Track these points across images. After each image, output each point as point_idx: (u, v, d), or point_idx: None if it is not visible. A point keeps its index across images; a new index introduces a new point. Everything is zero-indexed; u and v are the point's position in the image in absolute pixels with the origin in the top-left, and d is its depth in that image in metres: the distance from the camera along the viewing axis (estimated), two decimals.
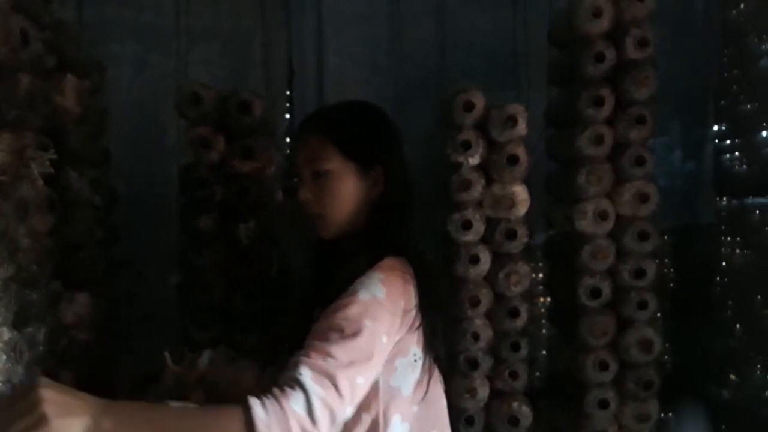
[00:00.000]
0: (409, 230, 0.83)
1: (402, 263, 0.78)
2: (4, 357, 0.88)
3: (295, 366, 0.65)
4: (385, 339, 0.71)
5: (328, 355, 0.66)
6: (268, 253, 1.37)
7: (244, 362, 0.78)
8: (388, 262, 0.77)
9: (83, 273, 1.16)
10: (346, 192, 0.81)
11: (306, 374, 0.64)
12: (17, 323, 0.94)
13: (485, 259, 1.40)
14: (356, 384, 0.67)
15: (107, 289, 1.26)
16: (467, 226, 1.38)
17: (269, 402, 0.62)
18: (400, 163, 0.86)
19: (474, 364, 1.39)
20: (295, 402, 0.63)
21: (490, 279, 1.42)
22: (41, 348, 0.98)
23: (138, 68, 1.68)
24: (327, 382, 0.64)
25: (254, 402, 0.62)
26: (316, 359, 0.66)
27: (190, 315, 1.34)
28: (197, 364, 0.71)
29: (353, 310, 0.70)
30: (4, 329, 0.90)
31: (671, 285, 1.82)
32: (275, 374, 0.69)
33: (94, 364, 1.17)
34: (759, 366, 1.60)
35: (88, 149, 1.23)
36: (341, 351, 0.67)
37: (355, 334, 0.68)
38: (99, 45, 1.45)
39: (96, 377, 1.18)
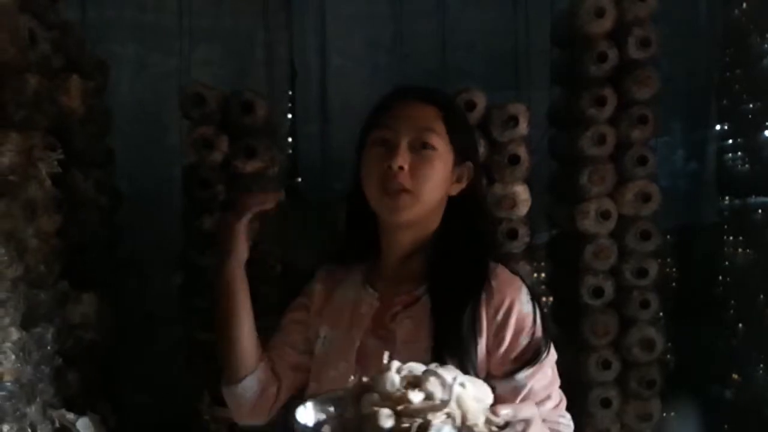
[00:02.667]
0: (495, 233, 0.83)
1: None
2: (13, 357, 0.89)
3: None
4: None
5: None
6: (271, 253, 1.38)
7: None
8: (500, 269, 0.76)
9: (90, 273, 1.16)
10: (441, 175, 0.75)
11: None
12: (25, 323, 0.94)
13: None
14: None
15: (111, 290, 1.26)
16: None
17: None
18: (480, 166, 0.84)
19: None
20: None
21: None
22: (49, 348, 0.98)
23: (140, 68, 1.68)
24: None
25: None
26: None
27: (194, 315, 1.34)
28: None
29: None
30: (13, 329, 0.90)
31: (674, 284, 1.82)
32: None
33: (99, 363, 1.18)
34: (762, 365, 1.60)
35: (92, 149, 1.24)
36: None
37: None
38: (101, 45, 1.45)
39: (101, 377, 1.19)
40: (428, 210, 0.76)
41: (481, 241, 0.77)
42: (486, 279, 0.73)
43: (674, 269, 1.83)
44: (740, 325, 1.69)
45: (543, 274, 1.70)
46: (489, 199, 1.40)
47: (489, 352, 0.72)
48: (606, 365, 1.41)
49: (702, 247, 1.83)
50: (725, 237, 1.76)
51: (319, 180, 1.74)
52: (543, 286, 1.70)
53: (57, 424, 0.97)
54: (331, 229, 1.39)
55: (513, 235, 1.40)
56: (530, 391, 0.71)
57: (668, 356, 1.70)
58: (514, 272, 0.78)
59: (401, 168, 0.73)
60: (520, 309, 0.73)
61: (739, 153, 1.75)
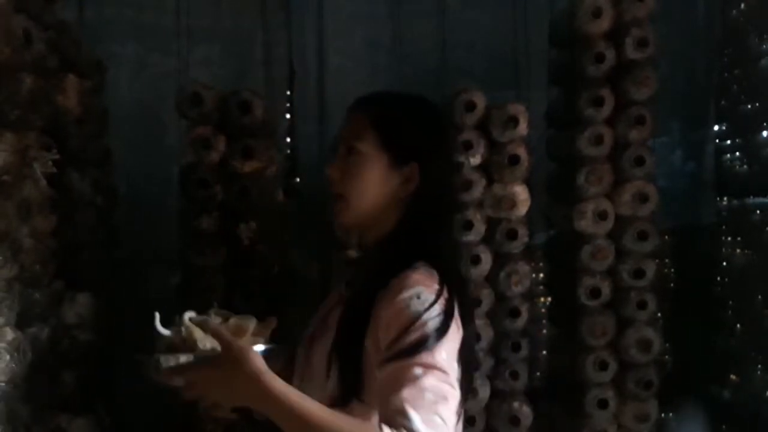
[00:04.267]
0: (441, 236, 0.79)
1: (430, 272, 0.73)
2: (8, 357, 0.89)
3: (402, 414, 0.61)
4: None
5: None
6: (269, 254, 1.38)
7: (242, 320, 0.78)
8: (415, 272, 0.72)
9: (85, 273, 1.16)
10: (371, 179, 0.77)
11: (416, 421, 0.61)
12: (20, 323, 0.94)
13: (486, 260, 1.40)
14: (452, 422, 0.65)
15: (108, 290, 1.26)
16: (468, 226, 1.38)
17: None
18: (442, 166, 0.81)
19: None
20: None
21: (490, 279, 1.42)
22: (44, 348, 0.98)
23: (139, 68, 1.68)
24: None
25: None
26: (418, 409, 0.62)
27: None
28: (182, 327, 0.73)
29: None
30: (8, 329, 0.90)
31: (672, 285, 1.82)
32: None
33: (95, 363, 1.18)
34: (759, 366, 1.60)
35: (89, 149, 1.24)
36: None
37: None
38: (99, 45, 1.44)
39: (97, 377, 1.18)
40: (368, 213, 0.78)
41: (416, 242, 0.76)
42: (393, 276, 0.71)
43: (672, 270, 1.83)
44: (738, 325, 1.69)
45: (541, 275, 1.70)
46: (489, 200, 1.40)
47: (374, 342, 0.70)
48: (603, 366, 1.41)
49: (700, 247, 1.83)
50: (723, 237, 1.76)
51: (317, 180, 1.74)
52: (541, 287, 1.70)
53: (52, 425, 0.97)
54: (330, 229, 1.39)
55: (512, 235, 1.40)
56: (381, 378, 0.67)
57: (666, 357, 1.70)
58: (461, 282, 0.78)
59: (332, 176, 0.79)
60: (399, 300, 0.69)
61: (738, 153, 1.75)
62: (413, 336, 0.66)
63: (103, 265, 1.26)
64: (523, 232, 1.41)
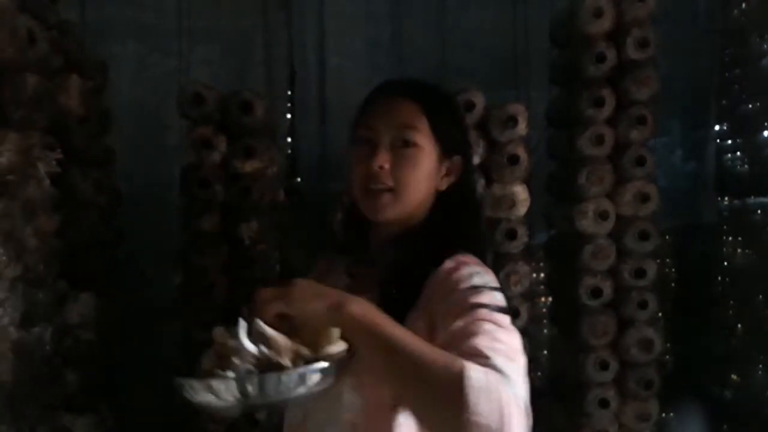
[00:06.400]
0: (478, 228, 0.77)
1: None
2: (11, 356, 0.89)
3: (481, 355, 0.56)
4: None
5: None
6: (270, 253, 1.38)
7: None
8: (462, 257, 0.70)
9: (88, 273, 1.17)
10: (425, 172, 0.73)
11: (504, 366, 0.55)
12: (24, 323, 0.94)
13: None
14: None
15: (111, 290, 1.27)
16: None
17: (487, 371, 0.54)
18: (472, 159, 0.81)
19: None
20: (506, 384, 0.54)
21: None
22: (48, 348, 0.98)
23: (140, 68, 1.68)
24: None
25: (470, 366, 0.54)
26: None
27: (193, 315, 1.35)
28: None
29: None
30: (12, 329, 0.90)
31: (673, 285, 1.82)
32: None
33: (98, 363, 1.18)
34: (760, 366, 1.61)
35: (91, 149, 1.24)
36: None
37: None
38: (101, 45, 1.45)
39: (100, 377, 1.19)
40: (413, 206, 0.75)
41: (456, 233, 0.74)
42: (437, 267, 0.69)
43: (673, 269, 1.83)
44: (739, 325, 1.69)
45: (542, 275, 1.70)
46: (488, 200, 1.40)
47: (430, 327, 0.66)
48: (604, 366, 1.42)
49: (701, 247, 1.83)
50: (724, 237, 1.76)
51: (318, 180, 1.74)
52: (541, 287, 1.70)
53: (55, 425, 0.97)
54: (330, 228, 1.39)
55: (512, 235, 1.40)
56: (456, 330, 0.61)
57: (667, 357, 1.70)
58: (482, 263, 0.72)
59: (382, 167, 0.73)
60: (460, 281, 0.66)
61: (738, 153, 1.75)
62: (482, 297, 0.63)
63: (105, 265, 1.26)
64: (522, 232, 1.41)
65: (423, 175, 0.74)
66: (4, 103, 0.94)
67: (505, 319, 0.63)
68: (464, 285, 0.66)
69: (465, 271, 0.68)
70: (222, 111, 1.35)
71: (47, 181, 0.99)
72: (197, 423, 1.29)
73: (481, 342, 0.58)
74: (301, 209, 1.63)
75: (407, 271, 0.71)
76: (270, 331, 0.57)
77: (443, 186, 0.76)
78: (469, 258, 0.71)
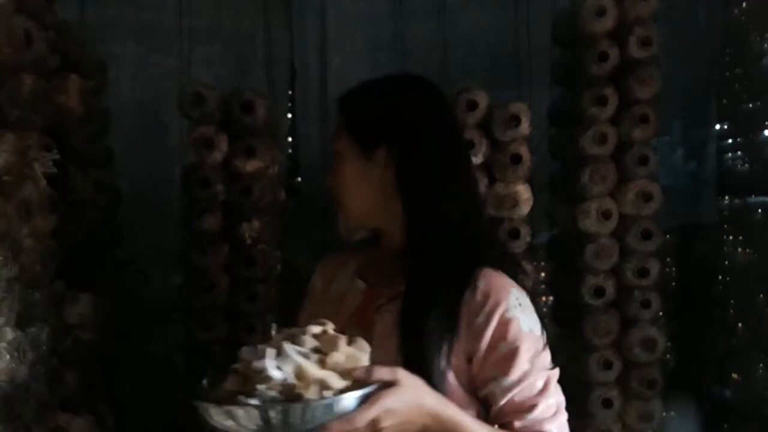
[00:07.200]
0: (451, 215, 0.70)
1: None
2: (8, 357, 0.88)
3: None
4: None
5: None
6: (272, 253, 1.37)
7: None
8: (491, 272, 0.68)
9: (87, 273, 1.16)
10: (351, 175, 0.71)
11: None
12: (21, 323, 0.93)
13: None
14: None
15: (111, 290, 1.26)
16: None
17: None
18: (425, 141, 0.69)
19: None
20: None
21: None
22: (44, 348, 0.97)
23: (140, 68, 1.68)
24: None
25: None
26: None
27: (194, 315, 1.34)
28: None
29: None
30: (8, 329, 0.89)
31: (674, 284, 1.82)
32: None
33: (97, 364, 1.17)
34: (761, 365, 1.60)
35: (91, 149, 1.23)
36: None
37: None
38: (101, 45, 1.44)
39: (98, 377, 1.18)
40: (366, 211, 0.73)
41: (450, 237, 0.69)
42: (468, 281, 0.68)
43: (674, 269, 1.83)
44: (740, 324, 1.69)
45: (544, 274, 1.70)
46: (491, 199, 1.40)
47: (469, 355, 0.67)
48: (607, 365, 1.41)
49: (702, 246, 1.83)
50: (725, 237, 1.76)
51: (318, 180, 1.73)
52: (544, 286, 1.70)
53: (52, 425, 0.97)
54: (331, 228, 1.38)
55: (515, 234, 1.39)
56: (509, 401, 0.67)
57: (668, 356, 1.70)
58: (509, 276, 0.72)
59: (330, 186, 0.75)
60: (502, 314, 0.67)
61: (739, 152, 1.75)
62: (530, 353, 0.68)
63: (105, 265, 1.25)
64: (525, 231, 1.40)
65: (350, 180, 0.71)
66: (0, 104, 0.93)
67: (545, 358, 0.70)
68: (502, 343, 0.67)
69: (505, 304, 0.68)
70: (223, 111, 1.35)
71: (44, 182, 0.99)
72: (197, 423, 1.28)
73: (539, 413, 0.67)
74: (302, 209, 1.62)
75: (429, 277, 0.69)
76: (299, 358, 0.55)
77: (389, 182, 0.71)
78: (497, 277, 0.69)
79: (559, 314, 1.65)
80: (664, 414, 1.53)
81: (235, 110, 1.34)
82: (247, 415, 0.52)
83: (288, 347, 0.55)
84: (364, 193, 0.72)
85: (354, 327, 0.71)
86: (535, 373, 0.68)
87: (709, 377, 1.75)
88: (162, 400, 1.45)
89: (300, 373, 0.54)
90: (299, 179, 1.77)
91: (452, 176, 0.72)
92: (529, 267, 1.42)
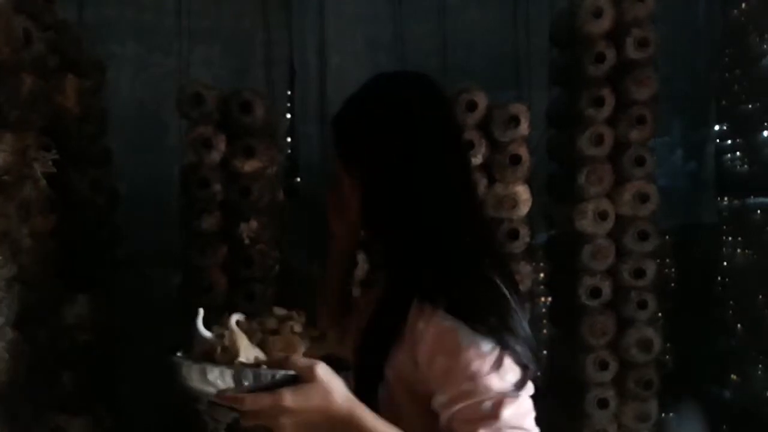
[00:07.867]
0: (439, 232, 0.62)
1: None
2: (6, 356, 0.88)
3: None
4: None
5: None
6: (270, 253, 1.38)
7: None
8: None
9: (87, 273, 1.16)
10: (346, 199, 0.69)
11: None
12: (19, 323, 0.94)
13: None
14: None
15: (109, 290, 1.26)
16: None
17: None
18: (395, 154, 0.63)
19: None
20: None
21: None
22: (43, 348, 0.98)
23: (139, 68, 1.68)
24: None
25: None
26: None
27: (192, 314, 1.34)
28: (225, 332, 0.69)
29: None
30: (7, 329, 0.90)
31: (672, 285, 1.82)
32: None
33: (95, 364, 1.18)
34: (760, 365, 1.60)
35: (89, 149, 1.24)
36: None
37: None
38: (100, 45, 1.45)
39: (97, 377, 1.18)
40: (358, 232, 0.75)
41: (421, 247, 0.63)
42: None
43: (673, 269, 1.83)
44: (739, 325, 1.69)
45: (541, 275, 1.70)
46: (490, 200, 1.40)
47: (414, 358, 0.61)
48: (603, 365, 1.41)
49: (701, 247, 1.83)
50: (724, 237, 1.76)
51: (318, 180, 1.74)
52: (541, 287, 1.70)
53: (51, 425, 0.97)
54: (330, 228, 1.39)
55: (514, 235, 1.39)
56: (450, 419, 0.58)
57: (666, 356, 1.70)
58: (507, 278, 0.64)
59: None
60: (441, 320, 0.58)
61: (738, 153, 1.75)
62: (471, 370, 0.56)
63: (103, 265, 1.26)
64: (524, 232, 1.40)
65: (349, 204, 0.69)
66: (0, 104, 0.93)
67: (501, 380, 0.57)
68: (456, 361, 0.58)
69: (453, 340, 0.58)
70: (222, 111, 1.35)
71: (43, 182, 0.99)
72: (196, 423, 1.29)
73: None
74: (300, 209, 1.63)
75: (390, 302, 0.66)
76: (234, 328, 0.67)
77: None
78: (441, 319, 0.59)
79: (556, 315, 1.65)
80: (662, 415, 1.54)
81: (234, 110, 1.34)
82: (220, 374, 0.66)
83: (233, 318, 0.67)
84: (353, 213, 0.70)
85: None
86: (478, 395, 0.57)
87: (708, 378, 1.75)
88: (160, 401, 1.45)
89: (228, 338, 0.66)
90: (298, 179, 1.77)
91: (431, 195, 0.65)
92: (528, 267, 1.42)
